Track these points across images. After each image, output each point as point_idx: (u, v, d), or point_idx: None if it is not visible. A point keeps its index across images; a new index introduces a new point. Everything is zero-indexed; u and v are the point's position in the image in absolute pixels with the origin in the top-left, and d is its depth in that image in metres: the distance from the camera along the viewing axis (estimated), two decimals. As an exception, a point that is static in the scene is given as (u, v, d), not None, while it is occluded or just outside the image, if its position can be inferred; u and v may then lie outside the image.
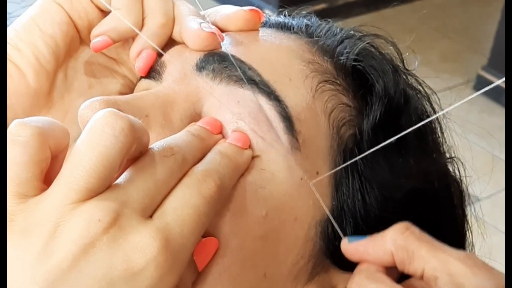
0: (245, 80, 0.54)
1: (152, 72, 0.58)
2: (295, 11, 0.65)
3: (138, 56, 0.58)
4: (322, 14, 0.65)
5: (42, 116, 0.46)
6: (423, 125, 0.60)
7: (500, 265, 0.49)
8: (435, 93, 0.62)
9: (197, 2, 0.60)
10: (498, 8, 2.89)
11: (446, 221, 0.61)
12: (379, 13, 3.24)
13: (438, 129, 0.62)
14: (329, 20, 0.63)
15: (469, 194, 0.64)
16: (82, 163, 0.43)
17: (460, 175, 0.63)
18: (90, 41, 0.59)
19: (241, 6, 0.60)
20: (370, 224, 0.56)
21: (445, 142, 0.63)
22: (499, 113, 2.75)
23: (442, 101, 0.65)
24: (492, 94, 2.83)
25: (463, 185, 0.63)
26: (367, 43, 0.59)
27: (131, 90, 0.62)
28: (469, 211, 0.65)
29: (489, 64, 2.90)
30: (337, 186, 0.55)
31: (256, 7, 0.62)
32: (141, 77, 0.60)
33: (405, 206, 0.57)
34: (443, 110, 0.63)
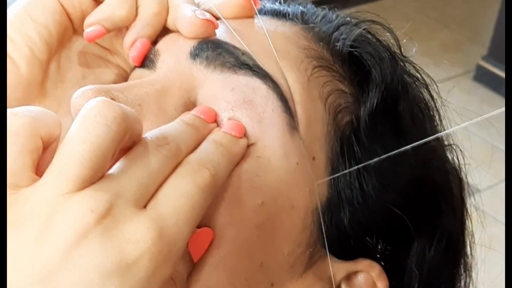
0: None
1: (146, 60, 0.57)
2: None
3: (132, 46, 0.57)
4: (320, 4, 0.64)
5: (33, 106, 0.45)
6: (421, 112, 0.60)
7: (500, 255, 0.49)
8: (433, 80, 0.61)
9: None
10: (498, -3, 2.89)
11: (445, 208, 0.60)
12: (378, 3, 3.23)
13: (437, 116, 0.61)
14: (325, 7, 0.62)
15: (468, 183, 0.63)
16: (74, 152, 0.43)
17: (459, 163, 0.62)
18: (83, 30, 0.58)
19: None
20: (368, 212, 0.55)
21: (444, 129, 0.62)
22: (499, 103, 2.74)
23: (443, 90, 0.64)
24: (492, 84, 2.83)
25: (462, 173, 0.62)
26: (364, 29, 0.59)
27: (125, 80, 0.61)
28: (468, 201, 0.64)
29: (489, 54, 2.89)
30: (334, 173, 0.55)
31: None
32: (135, 67, 0.59)
33: (404, 194, 0.57)
34: (441, 98, 0.62)
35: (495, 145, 2.56)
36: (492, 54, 2.88)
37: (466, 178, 0.62)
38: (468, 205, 0.64)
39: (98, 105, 0.44)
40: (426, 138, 0.59)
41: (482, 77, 2.88)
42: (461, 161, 0.62)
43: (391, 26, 0.60)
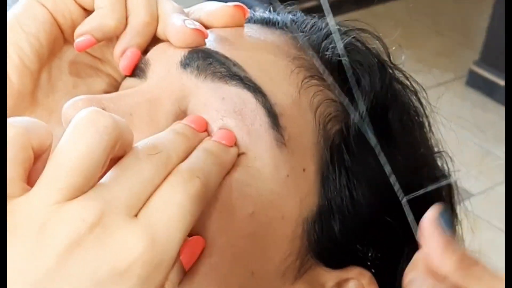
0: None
1: (137, 70, 0.58)
2: (280, 7, 0.64)
3: (123, 55, 0.58)
4: (312, 12, 0.65)
5: (24, 116, 0.46)
6: (410, 119, 0.60)
7: (491, 261, 0.49)
8: (422, 88, 0.62)
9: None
10: (489, 3, 2.90)
11: None
12: (370, 10, 3.24)
13: (426, 123, 0.62)
14: (315, 15, 0.62)
15: (458, 189, 0.64)
16: (65, 162, 0.43)
17: (448, 169, 0.63)
18: (74, 40, 0.59)
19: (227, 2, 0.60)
20: (358, 220, 0.56)
21: (433, 136, 0.63)
22: (492, 108, 2.76)
23: (436, 96, 0.64)
24: (485, 90, 2.84)
25: (452, 179, 0.63)
26: (353, 37, 0.59)
27: (116, 89, 0.61)
28: (461, 206, 0.64)
29: (481, 59, 2.90)
30: (324, 182, 0.55)
31: (246, 4, 0.62)
32: (126, 76, 0.59)
33: (393, 201, 0.57)
34: (430, 104, 0.62)
35: (489, 149, 2.57)
36: (484, 59, 2.89)
37: (456, 184, 0.63)
38: (462, 210, 0.64)
39: (89, 115, 0.44)
40: (415, 145, 0.60)
41: (474, 82, 2.89)
42: (451, 168, 0.63)
43: (380, 34, 0.61)
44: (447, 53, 3.11)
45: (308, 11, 0.65)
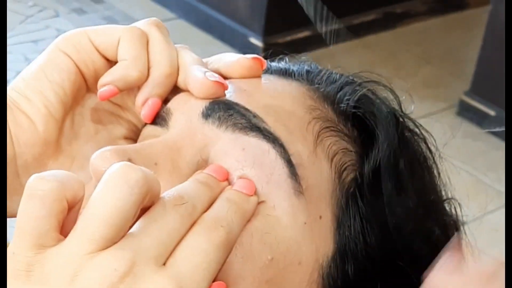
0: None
1: (158, 118, 0.60)
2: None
3: (144, 104, 0.60)
4: (305, 42, 0.67)
5: (58, 170, 0.48)
6: (420, 166, 0.63)
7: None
8: (431, 134, 0.64)
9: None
10: (479, 34, 2.93)
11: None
12: (362, 40, 3.27)
13: (435, 170, 0.64)
14: (325, 68, 0.64)
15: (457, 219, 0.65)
16: (97, 214, 0.45)
17: (457, 215, 0.65)
18: (96, 88, 0.61)
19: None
20: (370, 264, 0.58)
21: (441, 181, 0.65)
22: (483, 137, 2.78)
23: (426, 126, 0.66)
24: (475, 119, 2.87)
25: (460, 224, 0.65)
26: (368, 89, 0.61)
27: (136, 135, 0.63)
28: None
29: (471, 89, 2.93)
30: (339, 228, 0.57)
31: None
32: (146, 123, 0.61)
33: (405, 246, 0.59)
34: (438, 150, 0.65)
35: (480, 178, 2.60)
36: (475, 89, 2.92)
37: (464, 229, 0.65)
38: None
39: (121, 169, 0.46)
40: (425, 191, 0.62)
41: (465, 112, 2.92)
42: (459, 213, 0.65)
43: (392, 85, 0.63)
44: (438, 83, 3.14)
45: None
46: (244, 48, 3.04)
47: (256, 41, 3.07)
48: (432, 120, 0.74)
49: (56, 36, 0.62)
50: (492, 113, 2.83)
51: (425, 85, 3.03)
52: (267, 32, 3.03)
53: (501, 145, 2.59)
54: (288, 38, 2.94)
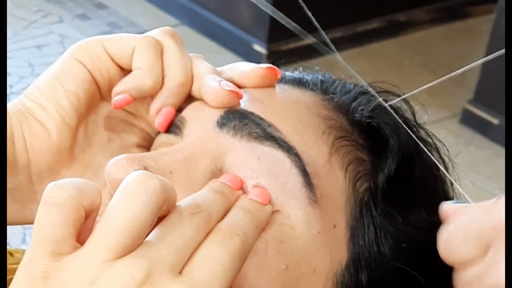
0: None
1: (172, 127, 0.60)
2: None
3: (158, 113, 0.60)
4: (309, 50, 0.66)
5: (76, 178, 0.48)
6: (434, 177, 0.63)
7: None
8: (444, 144, 0.64)
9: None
10: (482, 42, 2.93)
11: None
12: (365, 48, 3.27)
13: (448, 180, 0.64)
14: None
15: None
16: (115, 223, 0.45)
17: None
18: (110, 96, 0.61)
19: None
20: (384, 273, 0.58)
21: (454, 191, 0.65)
22: (486, 146, 2.78)
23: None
24: (478, 127, 2.87)
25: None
26: (382, 99, 0.62)
27: (149, 143, 0.64)
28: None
29: (474, 98, 2.93)
30: (353, 237, 0.57)
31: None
32: (159, 132, 0.61)
33: (418, 255, 0.59)
34: (451, 161, 0.65)
35: (483, 187, 2.60)
36: (478, 98, 2.92)
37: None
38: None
39: (139, 178, 0.46)
40: (438, 200, 0.62)
41: (468, 120, 2.92)
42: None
43: (403, 93, 0.63)
44: (441, 91, 3.14)
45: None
46: (248, 55, 3.05)
47: (260, 48, 3.07)
48: (436, 128, 0.74)
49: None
50: (495, 121, 2.83)
51: (429, 94, 3.03)
52: (271, 39, 3.04)
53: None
54: (292, 46, 2.95)
